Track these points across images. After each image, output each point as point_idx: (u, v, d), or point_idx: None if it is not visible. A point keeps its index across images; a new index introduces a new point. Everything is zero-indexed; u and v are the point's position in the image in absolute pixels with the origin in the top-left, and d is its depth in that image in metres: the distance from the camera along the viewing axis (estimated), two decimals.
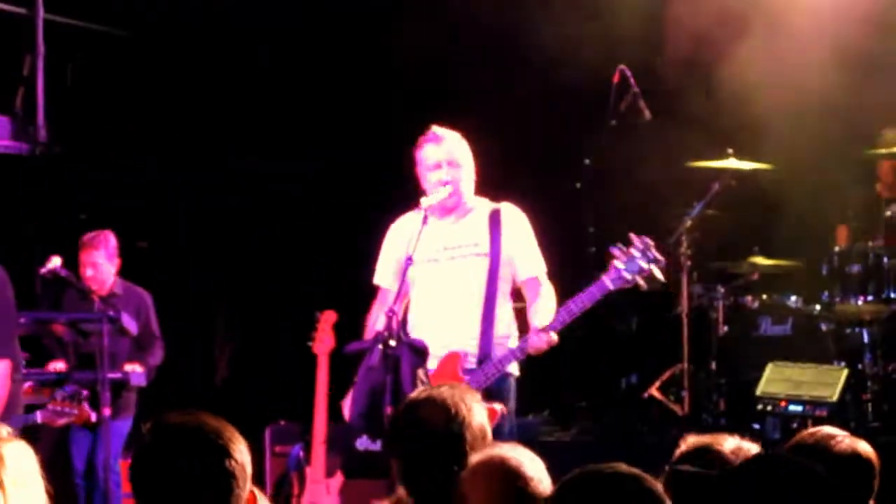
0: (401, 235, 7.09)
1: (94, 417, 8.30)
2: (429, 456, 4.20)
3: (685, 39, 10.07)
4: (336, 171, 11.08)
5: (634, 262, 6.69)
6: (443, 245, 7.05)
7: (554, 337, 6.74)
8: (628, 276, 6.68)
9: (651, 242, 6.74)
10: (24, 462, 4.45)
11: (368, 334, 7.03)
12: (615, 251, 6.68)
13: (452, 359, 6.90)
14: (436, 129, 7.10)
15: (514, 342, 6.98)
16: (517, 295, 7.18)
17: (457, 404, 4.30)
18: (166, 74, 10.91)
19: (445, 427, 4.26)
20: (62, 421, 8.13)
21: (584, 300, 6.68)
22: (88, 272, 9.36)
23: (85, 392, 8.20)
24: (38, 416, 8.01)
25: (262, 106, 11.07)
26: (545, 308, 6.86)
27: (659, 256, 6.72)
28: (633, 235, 6.71)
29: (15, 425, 7.23)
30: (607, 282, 6.71)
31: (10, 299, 6.91)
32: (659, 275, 6.78)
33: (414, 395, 4.46)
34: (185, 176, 11.16)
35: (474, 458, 4.04)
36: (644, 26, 10.12)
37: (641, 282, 6.72)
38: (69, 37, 10.42)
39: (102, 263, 9.44)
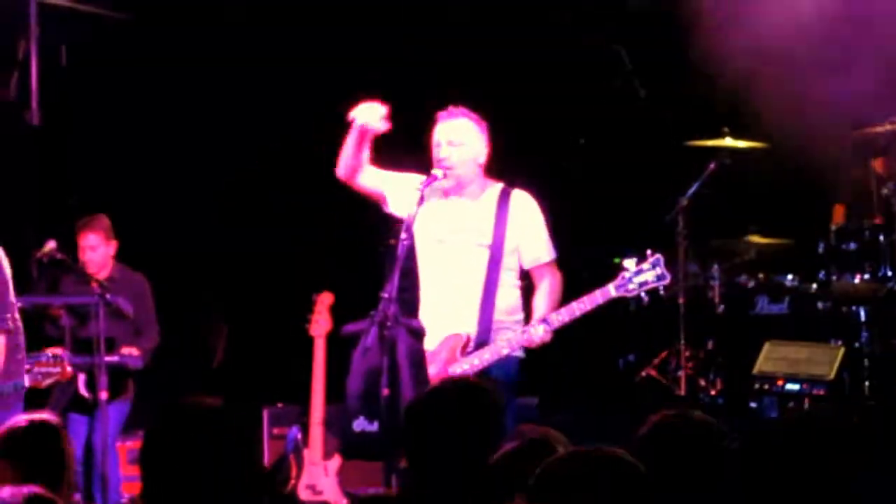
0: (411, 185, 7.05)
1: (76, 376, 8.21)
2: (445, 449, 4.15)
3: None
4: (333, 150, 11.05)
5: (642, 276, 6.93)
6: (449, 227, 7.07)
7: (549, 334, 6.84)
8: (633, 286, 6.93)
9: (662, 259, 6.95)
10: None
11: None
12: (626, 262, 6.87)
13: (455, 340, 6.92)
14: (450, 109, 7.13)
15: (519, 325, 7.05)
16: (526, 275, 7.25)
17: (481, 401, 4.27)
18: (158, 56, 10.86)
19: (462, 425, 4.21)
20: (49, 381, 8.04)
21: (586, 303, 6.90)
22: (87, 255, 9.37)
23: (60, 351, 8.11)
24: (27, 381, 7.94)
25: (256, 83, 11.02)
26: (542, 301, 6.96)
27: (665, 273, 6.96)
28: (649, 251, 6.90)
29: (5, 391, 7.30)
30: (611, 289, 6.93)
31: (6, 278, 6.97)
32: (661, 291, 7.03)
33: (436, 385, 4.40)
34: (179, 157, 11.12)
35: (507, 446, 4.01)
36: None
37: (644, 295, 6.97)
38: (63, 19, 10.39)
39: (99, 246, 9.44)
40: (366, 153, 7.12)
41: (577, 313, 6.86)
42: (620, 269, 6.92)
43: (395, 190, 7.13)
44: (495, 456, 3.85)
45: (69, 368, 7.93)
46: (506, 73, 10.48)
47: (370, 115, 6.98)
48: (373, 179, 7.20)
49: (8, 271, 7.04)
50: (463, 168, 7.05)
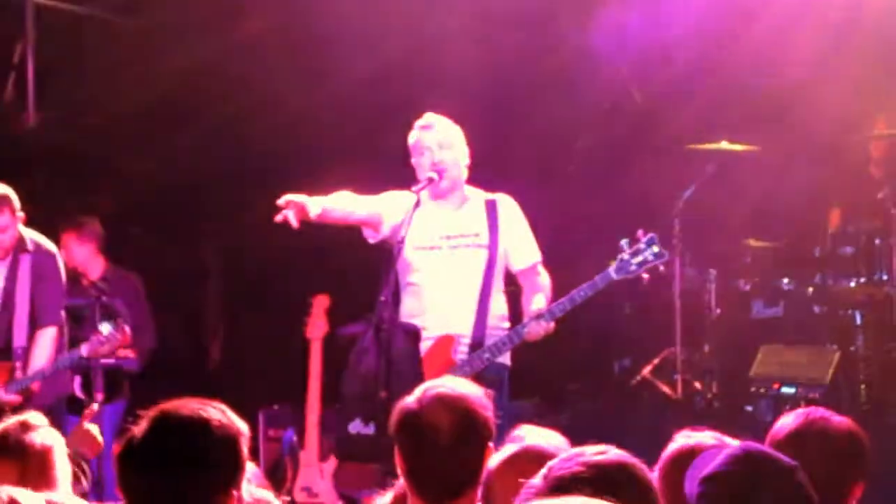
0: (400, 202, 7.08)
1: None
2: (439, 457, 4.12)
3: None
4: (332, 151, 11.05)
5: (640, 256, 6.91)
6: (443, 233, 7.09)
7: (551, 324, 6.82)
8: (633, 267, 6.90)
9: (656, 237, 6.95)
10: (54, 451, 4.41)
11: None
12: (623, 245, 6.86)
13: (446, 342, 6.92)
14: (427, 116, 7.16)
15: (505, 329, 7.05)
16: (511, 280, 7.26)
17: (464, 404, 4.21)
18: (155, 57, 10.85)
19: (452, 430, 4.16)
20: (106, 349, 8.03)
21: (586, 289, 6.85)
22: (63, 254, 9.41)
23: (121, 321, 8.13)
24: (84, 350, 7.94)
25: (249, 87, 11.01)
26: (538, 297, 6.95)
27: (663, 251, 6.97)
28: (640, 231, 6.90)
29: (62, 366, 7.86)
30: (612, 272, 6.90)
31: (63, 278, 7.93)
32: (661, 268, 7.06)
33: (418, 394, 4.30)
34: (175, 159, 11.11)
35: (505, 451, 3.98)
36: None
37: (645, 274, 6.96)
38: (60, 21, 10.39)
39: (76, 249, 9.46)
40: (336, 212, 7.17)
41: (579, 300, 6.85)
42: (617, 251, 6.95)
43: (387, 208, 7.17)
44: None
45: (128, 331, 7.94)
46: (501, 77, 10.50)
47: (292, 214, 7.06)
48: (366, 209, 7.23)
49: (63, 279, 7.89)
50: (456, 170, 7.09)
